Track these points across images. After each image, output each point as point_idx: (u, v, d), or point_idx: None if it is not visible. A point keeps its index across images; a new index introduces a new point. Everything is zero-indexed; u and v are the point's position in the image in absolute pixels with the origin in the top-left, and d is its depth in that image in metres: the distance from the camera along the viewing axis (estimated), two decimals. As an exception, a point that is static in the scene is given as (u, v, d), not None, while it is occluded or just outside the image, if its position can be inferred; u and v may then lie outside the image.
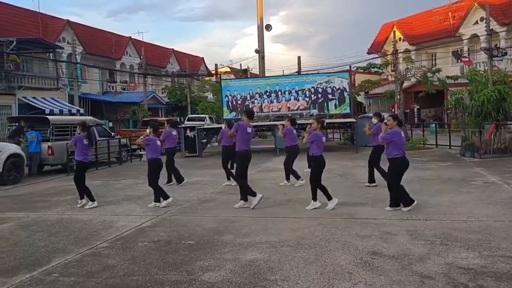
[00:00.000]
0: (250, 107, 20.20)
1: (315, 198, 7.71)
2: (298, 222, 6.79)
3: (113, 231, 6.70)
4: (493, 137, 14.32)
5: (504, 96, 14.44)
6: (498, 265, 4.66)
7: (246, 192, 7.99)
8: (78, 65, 28.45)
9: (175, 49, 45.18)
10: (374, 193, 8.85)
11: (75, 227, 7.04)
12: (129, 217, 7.63)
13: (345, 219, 6.88)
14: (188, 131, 19.29)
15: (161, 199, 8.41)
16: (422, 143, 18.56)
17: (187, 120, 28.82)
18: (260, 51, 26.01)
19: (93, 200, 8.63)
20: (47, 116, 16.27)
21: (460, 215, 6.91)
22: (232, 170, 10.15)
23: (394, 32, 29.52)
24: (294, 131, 10.71)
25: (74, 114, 24.77)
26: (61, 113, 24.43)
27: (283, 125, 10.89)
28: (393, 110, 30.73)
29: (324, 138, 7.99)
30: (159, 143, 8.73)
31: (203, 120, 28.01)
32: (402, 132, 7.58)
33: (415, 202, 7.28)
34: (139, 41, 38.10)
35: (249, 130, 8.10)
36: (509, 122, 16.19)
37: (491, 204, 7.48)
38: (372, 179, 9.55)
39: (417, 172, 11.06)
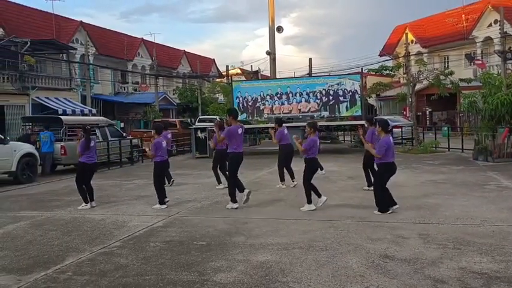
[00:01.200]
0: (261, 108, 20.24)
1: (309, 201, 7.77)
2: (310, 224, 6.79)
3: (125, 231, 6.76)
4: (507, 141, 14.16)
5: (518, 99, 14.25)
6: (512, 270, 4.61)
7: (232, 192, 8.17)
8: (90, 65, 28.73)
9: (186, 50, 45.41)
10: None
11: (88, 227, 7.11)
12: (141, 217, 7.69)
13: (356, 222, 6.86)
14: (199, 132, 19.38)
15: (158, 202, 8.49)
16: (434, 146, 18.42)
17: (198, 122, 28.93)
18: (271, 53, 25.99)
19: (86, 202, 8.68)
20: (60, 116, 16.47)
21: (473, 219, 6.84)
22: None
23: (407, 34, 29.34)
24: (285, 131, 10.65)
25: (86, 115, 25.03)
26: (73, 113, 24.71)
27: (274, 130, 10.70)
28: (405, 112, 30.57)
29: (318, 141, 8.09)
30: (164, 144, 8.70)
31: (214, 122, 28.08)
32: (391, 137, 7.56)
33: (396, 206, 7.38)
34: (151, 42, 38.35)
35: (240, 131, 8.21)
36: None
37: (504, 209, 7.40)
38: (370, 183, 9.44)
39: (429, 175, 10.99)
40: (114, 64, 33.79)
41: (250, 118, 20.74)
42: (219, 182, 10.50)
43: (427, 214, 7.18)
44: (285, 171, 10.45)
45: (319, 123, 20.08)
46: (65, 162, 14.73)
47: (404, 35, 30.37)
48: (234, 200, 8.17)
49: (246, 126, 20.81)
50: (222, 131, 9.02)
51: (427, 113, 35.29)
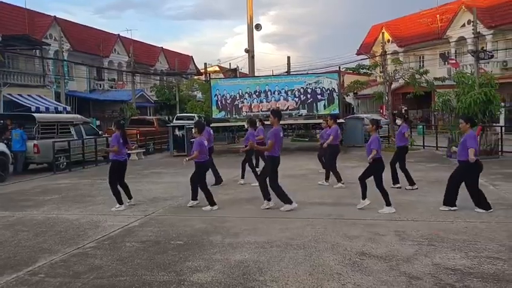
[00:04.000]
0: (239, 106, 20.20)
1: (288, 201, 7.67)
2: (288, 222, 6.79)
3: (100, 231, 6.64)
4: (479, 139, 14.50)
5: (490, 98, 14.61)
6: (484, 266, 4.71)
7: (283, 198, 7.67)
8: (65, 62, 28.11)
9: (164, 47, 44.93)
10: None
11: (61, 227, 6.95)
12: (116, 217, 7.56)
13: (334, 219, 6.91)
14: (177, 130, 19.21)
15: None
16: (409, 143, 18.68)
17: (176, 119, 28.67)
18: (250, 51, 25.98)
19: (121, 203, 8.21)
20: (33, 114, 16.08)
21: (447, 215, 6.98)
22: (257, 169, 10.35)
23: (383, 33, 29.67)
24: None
25: (60, 112, 24.46)
26: (47, 110, 24.13)
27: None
28: (381, 110, 30.98)
29: (281, 133, 7.91)
30: (206, 142, 8.29)
31: (192, 119, 27.87)
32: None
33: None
34: (128, 38, 37.78)
35: (281, 134, 7.99)
36: (495, 124, 16.43)
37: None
38: (412, 181, 9.49)
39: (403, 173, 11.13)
40: (89, 61, 33.16)
41: (229, 116, 20.67)
42: (242, 177, 10.75)
43: (402, 211, 7.29)
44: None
45: (297, 122, 20.43)
46: (38, 161, 14.41)
47: (380, 34, 30.76)
48: (289, 201, 7.66)
49: (226, 124, 20.92)
50: (253, 128, 9.82)
51: (403, 111, 35.84)
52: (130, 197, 8.52)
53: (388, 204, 7.36)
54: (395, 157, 9.65)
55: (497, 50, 28.53)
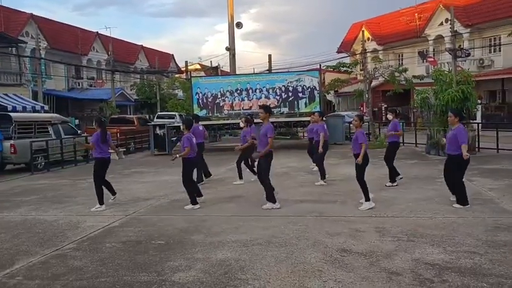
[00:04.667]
0: (221, 105, 20.13)
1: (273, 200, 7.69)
2: (269, 220, 6.81)
3: (79, 231, 6.54)
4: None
5: (467, 95, 14.88)
6: (462, 260, 4.81)
7: (269, 195, 7.68)
8: (42, 60, 27.57)
9: (144, 45, 44.54)
10: (344, 191, 8.98)
11: (39, 228, 6.83)
12: (96, 217, 7.46)
13: (315, 217, 6.95)
14: (158, 128, 19.05)
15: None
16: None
17: (157, 118, 28.43)
18: (231, 49, 25.92)
19: (102, 204, 8.13)
20: (10, 113, 15.73)
21: (426, 211, 7.09)
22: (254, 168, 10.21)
23: (363, 31, 29.97)
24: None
25: (38, 111, 23.98)
26: (24, 109, 23.62)
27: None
28: (362, 108, 31.28)
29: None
30: (194, 139, 8.32)
31: (173, 118, 27.68)
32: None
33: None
34: (107, 36, 37.30)
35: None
36: (472, 121, 16.76)
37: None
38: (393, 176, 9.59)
39: (385, 170, 11.24)
40: (67, 59, 32.61)
41: (210, 114, 20.59)
42: (240, 178, 10.51)
43: (382, 208, 7.38)
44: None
45: (279, 120, 20.45)
46: (16, 161, 14.12)
47: (360, 33, 31.05)
48: (274, 201, 7.67)
49: (208, 122, 20.78)
50: (248, 127, 9.88)
51: (383, 108, 36.30)
52: (114, 193, 8.46)
53: (367, 199, 7.45)
54: (391, 154, 9.69)
55: (473, 48, 29.14)
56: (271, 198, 7.66)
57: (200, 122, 10.86)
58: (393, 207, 7.43)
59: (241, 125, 10.39)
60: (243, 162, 10.61)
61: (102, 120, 8.84)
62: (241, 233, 6.16)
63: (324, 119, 12.73)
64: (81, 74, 36.28)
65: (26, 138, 14.04)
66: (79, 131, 18.16)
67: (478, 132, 15.58)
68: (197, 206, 7.90)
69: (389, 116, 9.91)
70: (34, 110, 24.22)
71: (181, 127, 8.23)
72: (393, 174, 9.60)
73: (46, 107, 26.08)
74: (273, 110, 19.99)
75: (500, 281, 4.25)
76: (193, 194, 8.06)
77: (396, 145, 9.92)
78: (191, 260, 5.09)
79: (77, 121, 28.70)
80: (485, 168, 11.56)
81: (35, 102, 25.76)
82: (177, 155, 7.97)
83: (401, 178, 9.58)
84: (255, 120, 11.19)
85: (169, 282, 4.48)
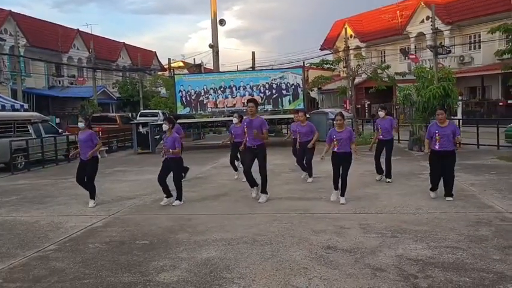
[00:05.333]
0: (204, 102, 20.03)
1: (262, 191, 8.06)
2: (254, 218, 6.80)
3: (61, 232, 6.43)
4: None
5: (448, 92, 15.11)
6: (445, 256, 4.87)
7: (264, 186, 8.07)
8: (21, 58, 27.02)
9: (126, 43, 43.95)
10: (328, 188, 8.98)
11: (20, 229, 6.69)
12: (79, 217, 7.35)
13: (300, 214, 6.96)
14: (141, 127, 18.86)
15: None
16: (373, 137, 19.07)
17: (140, 116, 28.12)
18: (214, 46, 25.81)
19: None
20: (-12, 112, 15.39)
21: (409, 207, 7.17)
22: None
23: (346, 29, 30.15)
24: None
25: (17, 110, 23.48)
26: (3, 108, 23.08)
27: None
28: (345, 105, 31.51)
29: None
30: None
31: (156, 116, 27.41)
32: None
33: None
34: (88, 33, 36.74)
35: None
36: (453, 117, 17.01)
37: (437, 197, 7.81)
38: (388, 173, 9.66)
39: (368, 166, 11.36)
40: (47, 56, 32.01)
41: (194, 112, 20.47)
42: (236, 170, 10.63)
43: (366, 204, 7.44)
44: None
45: (263, 117, 20.43)
46: (-6, 161, 13.81)
47: (343, 30, 31.21)
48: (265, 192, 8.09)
49: (192, 120, 20.64)
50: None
51: (366, 105, 36.64)
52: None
53: (342, 194, 7.63)
54: (389, 152, 9.70)
55: (454, 45, 29.59)
56: (266, 190, 8.01)
57: (183, 120, 10.86)
58: (377, 204, 7.49)
59: (235, 121, 10.36)
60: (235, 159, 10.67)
61: (86, 117, 8.86)
62: (226, 231, 6.14)
63: (308, 116, 12.73)
64: (61, 72, 35.69)
65: (5, 138, 13.75)
66: (60, 130, 17.84)
67: (459, 128, 15.81)
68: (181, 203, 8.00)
69: (381, 113, 9.90)
70: (13, 109, 23.67)
71: (165, 127, 8.15)
72: (379, 169, 9.69)
73: (26, 106, 25.49)
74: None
75: (482, 275, 4.31)
76: (181, 190, 8.15)
77: (393, 142, 10.01)
78: (176, 260, 5.04)
79: (57, 120, 28.23)
80: (466, 163, 11.73)
81: (14, 100, 25.17)
82: (171, 151, 7.89)
83: (379, 180, 9.66)
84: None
85: (153, 282, 4.43)
